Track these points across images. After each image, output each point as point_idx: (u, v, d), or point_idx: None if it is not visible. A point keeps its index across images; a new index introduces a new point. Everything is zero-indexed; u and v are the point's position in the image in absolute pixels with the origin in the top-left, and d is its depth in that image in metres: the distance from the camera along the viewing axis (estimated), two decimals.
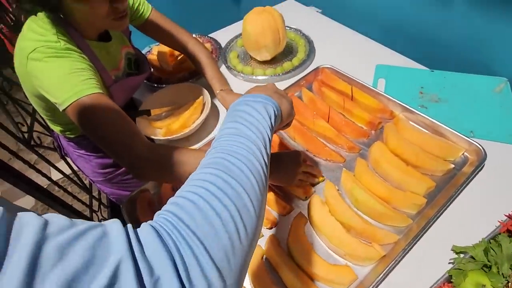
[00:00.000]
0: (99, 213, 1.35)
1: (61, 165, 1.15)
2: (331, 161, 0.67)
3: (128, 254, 0.21)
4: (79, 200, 1.23)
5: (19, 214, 0.20)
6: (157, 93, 0.83)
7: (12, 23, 1.14)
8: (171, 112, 0.82)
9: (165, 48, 0.96)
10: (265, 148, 0.34)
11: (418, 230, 0.51)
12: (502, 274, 0.44)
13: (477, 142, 0.60)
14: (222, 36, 1.06)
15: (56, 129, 0.72)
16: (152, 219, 0.27)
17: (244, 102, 0.39)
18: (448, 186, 0.59)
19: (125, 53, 0.74)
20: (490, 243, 0.48)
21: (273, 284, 0.50)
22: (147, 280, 0.21)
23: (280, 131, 0.74)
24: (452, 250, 0.50)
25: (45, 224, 0.20)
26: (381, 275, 0.48)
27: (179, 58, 0.98)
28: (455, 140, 0.63)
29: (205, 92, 0.80)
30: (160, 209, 0.28)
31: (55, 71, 0.52)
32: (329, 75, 0.82)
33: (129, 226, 0.24)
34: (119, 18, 0.58)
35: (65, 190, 1.12)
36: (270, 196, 0.62)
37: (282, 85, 0.84)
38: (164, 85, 0.89)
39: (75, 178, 1.24)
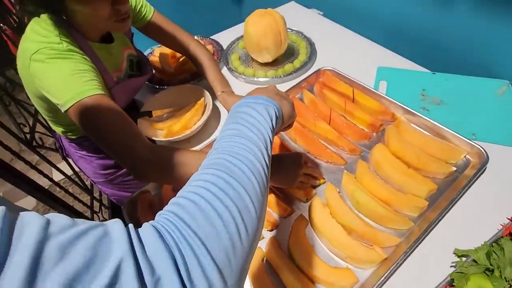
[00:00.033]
0: (100, 214, 1.36)
1: (63, 166, 1.15)
2: (332, 163, 0.66)
3: (129, 253, 0.21)
4: (80, 201, 1.23)
5: (21, 213, 0.20)
6: (159, 95, 0.84)
7: (15, 25, 1.15)
8: (172, 114, 0.82)
9: (167, 50, 0.96)
10: (266, 150, 0.35)
11: (420, 233, 0.51)
12: (505, 278, 0.44)
13: (479, 145, 0.60)
14: (224, 38, 1.06)
15: (58, 130, 0.73)
16: (153, 220, 0.27)
17: (246, 104, 0.39)
18: (450, 189, 0.58)
19: (127, 55, 0.74)
20: (493, 246, 0.48)
21: (274, 286, 0.50)
22: (148, 279, 0.21)
23: (281, 132, 0.74)
24: (454, 253, 0.50)
25: (47, 223, 0.20)
26: (382, 278, 0.47)
27: (180, 60, 0.98)
28: (457, 143, 0.63)
29: (207, 93, 0.80)
30: (161, 210, 0.28)
31: (57, 72, 0.52)
32: (330, 77, 0.82)
33: (131, 225, 0.24)
34: (121, 20, 0.59)
35: (66, 191, 1.13)
36: (271, 198, 0.62)
37: (283, 87, 0.85)
38: (165, 87, 0.89)
39: (77, 179, 1.25)
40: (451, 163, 0.62)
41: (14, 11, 1.16)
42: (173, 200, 0.28)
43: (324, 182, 0.63)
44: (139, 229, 0.25)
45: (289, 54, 0.97)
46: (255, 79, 0.90)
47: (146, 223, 0.26)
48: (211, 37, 1.08)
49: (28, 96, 0.64)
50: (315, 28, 1.03)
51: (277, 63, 0.94)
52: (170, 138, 0.73)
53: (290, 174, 0.58)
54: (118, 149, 0.52)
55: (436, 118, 0.66)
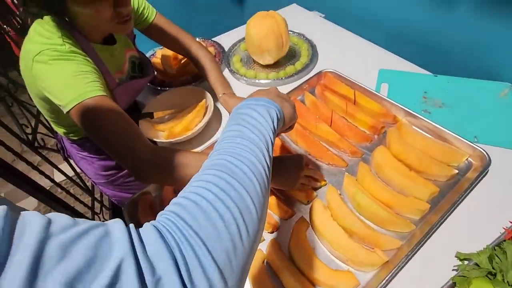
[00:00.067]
0: (100, 215, 1.36)
1: (64, 167, 1.15)
2: (333, 165, 0.66)
3: (130, 253, 0.21)
4: (81, 202, 1.23)
5: (22, 213, 0.21)
6: (160, 96, 0.84)
7: (18, 26, 1.16)
8: (174, 115, 0.82)
9: (169, 52, 0.96)
10: (268, 151, 0.35)
11: (422, 236, 0.51)
12: (507, 281, 0.43)
13: (481, 148, 0.60)
14: (226, 40, 1.07)
15: (60, 131, 0.73)
16: (154, 220, 0.27)
17: (247, 106, 0.39)
18: (451, 192, 0.58)
19: (129, 56, 0.75)
20: (495, 250, 0.47)
21: None
22: (149, 279, 0.21)
23: (283, 134, 0.74)
24: (456, 256, 0.50)
25: (48, 223, 0.20)
26: (383, 281, 0.47)
27: (182, 61, 0.98)
28: (458, 145, 0.63)
29: (208, 95, 0.80)
30: (162, 211, 0.28)
31: (59, 74, 0.52)
32: (332, 79, 0.82)
33: (131, 225, 0.24)
34: (123, 22, 0.59)
35: (68, 192, 1.13)
36: (272, 200, 0.62)
37: (284, 89, 0.85)
38: (167, 88, 0.89)
39: (78, 180, 1.25)
40: (453, 165, 0.62)
41: (17, 12, 1.17)
42: (174, 200, 0.28)
43: (325, 184, 0.63)
44: (140, 229, 0.25)
45: (291, 56, 0.97)
46: (257, 81, 0.90)
47: (147, 223, 0.26)
48: (213, 39, 1.09)
49: (30, 97, 0.64)
50: (316, 30, 1.03)
51: (279, 65, 0.95)
52: (171, 140, 0.73)
53: (291, 176, 0.58)
54: (119, 150, 0.52)
55: (438, 120, 0.66)
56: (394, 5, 0.93)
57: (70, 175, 1.19)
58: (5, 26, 1.15)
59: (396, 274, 0.49)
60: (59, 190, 1.10)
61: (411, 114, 0.69)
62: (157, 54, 1.03)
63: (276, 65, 0.94)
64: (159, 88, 0.91)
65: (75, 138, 0.74)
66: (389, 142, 0.67)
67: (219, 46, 1.04)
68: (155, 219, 0.27)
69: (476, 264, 0.47)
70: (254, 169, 0.31)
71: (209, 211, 0.26)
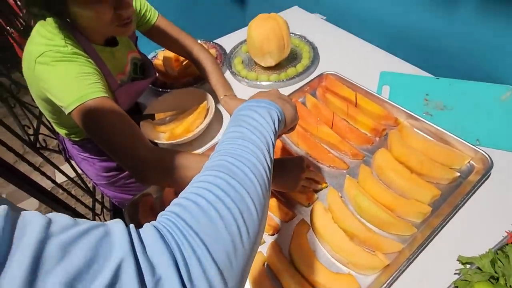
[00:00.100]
0: (101, 217, 1.36)
1: (66, 168, 1.16)
2: (334, 168, 0.66)
3: (130, 253, 0.21)
4: (82, 203, 1.24)
5: (23, 212, 0.21)
6: (162, 98, 0.84)
7: (22, 28, 1.17)
8: (175, 117, 0.82)
9: (170, 54, 0.97)
10: (269, 152, 0.35)
11: (423, 239, 0.50)
12: (510, 286, 0.43)
13: (483, 150, 0.59)
14: (227, 42, 1.07)
15: (62, 132, 0.73)
16: (154, 221, 0.27)
17: (248, 107, 0.39)
18: (453, 195, 0.58)
19: (131, 58, 0.75)
20: (497, 254, 0.47)
21: None
22: (149, 279, 0.21)
23: (284, 136, 0.74)
24: (458, 260, 0.49)
25: (49, 222, 0.20)
26: (384, 285, 0.47)
27: (184, 63, 0.99)
28: (460, 148, 0.63)
29: (209, 97, 0.80)
30: (162, 211, 0.28)
31: (61, 75, 0.53)
32: (333, 81, 0.82)
33: (132, 226, 0.24)
34: (123, 25, 0.59)
35: (69, 193, 1.13)
36: (273, 202, 0.62)
37: (286, 91, 0.85)
38: (168, 90, 0.90)
39: (79, 181, 1.25)
40: (454, 168, 0.61)
41: (21, 14, 1.18)
42: (175, 201, 0.28)
43: (326, 187, 0.63)
44: (140, 229, 0.25)
45: (292, 58, 0.97)
46: (258, 83, 0.90)
47: (147, 223, 0.26)
48: (214, 41, 1.09)
49: (33, 98, 0.65)
50: (318, 33, 1.04)
51: (280, 67, 0.95)
52: (172, 141, 0.73)
53: (292, 178, 0.58)
54: (120, 151, 0.53)
55: (440, 123, 0.65)
56: (396, 7, 0.93)
57: (72, 176, 1.19)
58: (8, 27, 1.16)
59: (398, 277, 0.48)
60: (61, 191, 1.10)
61: (412, 116, 0.68)
62: (159, 55, 1.04)
63: (277, 67, 0.94)
64: (160, 89, 0.91)
65: (77, 139, 0.75)
66: (391, 145, 0.66)
67: (220, 48, 1.05)
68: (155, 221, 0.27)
69: (478, 268, 0.47)
70: (255, 170, 0.31)
71: (209, 211, 0.26)
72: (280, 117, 0.40)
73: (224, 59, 1.00)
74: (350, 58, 0.93)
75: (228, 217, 0.26)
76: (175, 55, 0.97)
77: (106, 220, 1.37)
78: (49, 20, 0.56)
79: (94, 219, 1.29)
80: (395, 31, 0.96)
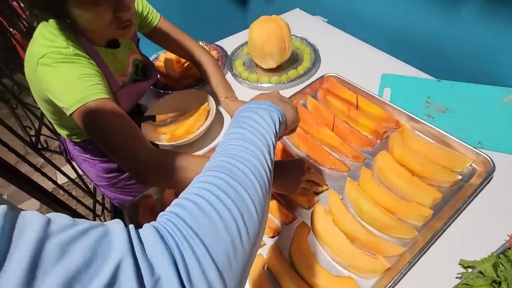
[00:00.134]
0: (102, 218, 1.36)
1: (67, 169, 1.16)
2: (335, 170, 0.66)
3: (129, 253, 0.21)
4: (83, 204, 1.24)
5: (22, 212, 0.21)
6: (163, 99, 0.84)
7: (25, 30, 1.18)
8: (176, 118, 0.83)
9: (172, 55, 0.97)
10: (269, 154, 0.35)
11: (424, 242, 0.50)
12: None
13: (485, 153, 0.59)
14: (229, 44, 1.07)
15: (63, 133, 0.73)
16: (154, 221, 0.27)
17: (249, 109, 0.39)
18: (455, 198, 0.57)
19: (133, 60, 0.75)
20: (500, 257, 0.47)
21: None
22: (148, 279, 0.21)
23: (285, 138, 0.74)
24: (459, 264, 0.49)
25: (48, 222, 0.20)
26: None
27: (185, 65, 0.99)
28: (462, 151, 0.62)
29: (210, 99, 0.80)
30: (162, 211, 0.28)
31: (63, 76, 0.53)
32: (334, 83, 0.82)
33: (131, 226, 0.24)
34: (122, 28, 0.58)
35: (70, 194, 1.13)
36: (273, 204, 0.61)
37: (287, 93, 0.85)
38: (170, 92, 0.90)
39: (80, 182, 1.25)
40: (456, 171, 0.61)
41: (24, 16, 1.18)
42: (175, 201, 0.28)
43: (327, 189, 0.63)
44: (139, 229, 0.25)
45: (293, 60, 0.97)
46: (259, 84, 0.90)
47: (146, 223, 0.26)
48: (216, 43, 1.09)
49: (34, 100, 0.65)
50: (319, 35, 1.04)
51: (281, 69, 0.95)
52: (173, 143, 0.73)
53: (292, 180, 0.58)
54: (120, 152, 0.53)
55: (441, 125, 0.65)
56: (397, 9, 0.93)
57: (73, 177, 1.19)
58: (11, 29, 1.17)
59: (398, 281, 0.48)
60: (61, 192, 1.11)
61: (414, 119, 0.68)
62: (161, 57, 1.04)
63: (278, 69, 0.95)
64: (161, 91, 0.91)
65: (78, 140, 0.75)
66: (392, 147, 0.66)
67: (222, 50, 1.05)
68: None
69: (480, 272, 0.46)
70: (256, 171, 0.31)
71: (209, 212, 0.26)
72: (281, 119, 0.40)
73: (225, 61, 1.00)
74: (351, 60, 0.93)
75: (228, 218, 0.26)
76: (176, 57, 0.98)
77: (106, 221, 1.38)
78: (51, 21, 0.56)
79: (94, 220, 1.28)
80: (396, 33, 0.97)
